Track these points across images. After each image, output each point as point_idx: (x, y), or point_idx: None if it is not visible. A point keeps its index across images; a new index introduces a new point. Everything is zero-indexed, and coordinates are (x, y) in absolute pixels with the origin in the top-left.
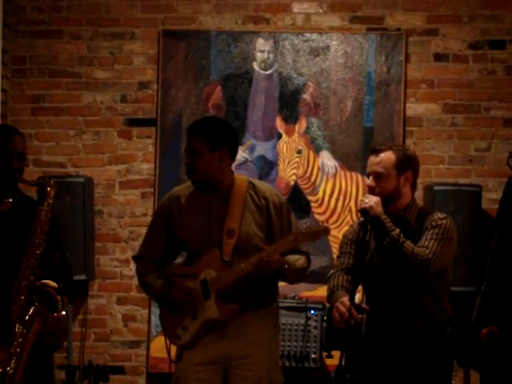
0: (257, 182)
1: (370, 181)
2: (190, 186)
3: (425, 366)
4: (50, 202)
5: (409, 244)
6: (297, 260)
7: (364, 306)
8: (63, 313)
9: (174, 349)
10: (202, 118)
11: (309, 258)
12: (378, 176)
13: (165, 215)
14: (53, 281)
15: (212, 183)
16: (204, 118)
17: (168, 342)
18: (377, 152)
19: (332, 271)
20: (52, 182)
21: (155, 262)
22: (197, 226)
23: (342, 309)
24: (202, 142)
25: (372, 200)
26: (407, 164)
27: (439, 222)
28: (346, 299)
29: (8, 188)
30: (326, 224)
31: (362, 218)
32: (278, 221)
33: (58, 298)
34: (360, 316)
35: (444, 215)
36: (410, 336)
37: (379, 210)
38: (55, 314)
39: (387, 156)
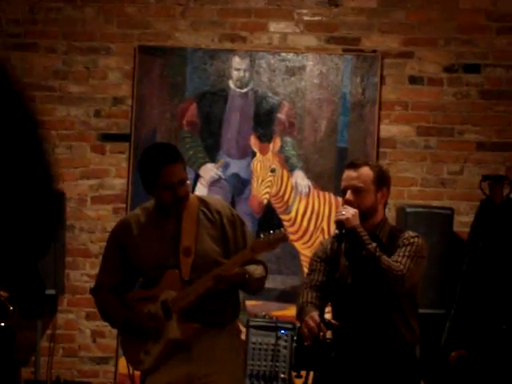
0: (206, 197)
1: (348, 195)
2: (139, 212)
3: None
4: None
5: (385, 258)
6: (255, 269)
7: (333, 321)
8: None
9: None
10: (159, 145)
11: (266, 266)
12: (356, 190)
13: (118, 244)
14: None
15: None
16: (157, 144)
17: (131, 368)
18: (355, 166)
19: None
20: None
21: (114, 291)
22: (152, 252)
23: (311, 324)
24: (183, 168)
25: (349, 212)
26: (383, 181)
27: (411, 240)
28: (315, 314)
29: None
30: (283, 230)
31: (336, 231)
32: (232, 233)
33: (9, 306)
34: (325, 334)
35: (415, 234)
36: (377, 354)
37: (356, 222)
38: (2, 324)
39: (366, 171)
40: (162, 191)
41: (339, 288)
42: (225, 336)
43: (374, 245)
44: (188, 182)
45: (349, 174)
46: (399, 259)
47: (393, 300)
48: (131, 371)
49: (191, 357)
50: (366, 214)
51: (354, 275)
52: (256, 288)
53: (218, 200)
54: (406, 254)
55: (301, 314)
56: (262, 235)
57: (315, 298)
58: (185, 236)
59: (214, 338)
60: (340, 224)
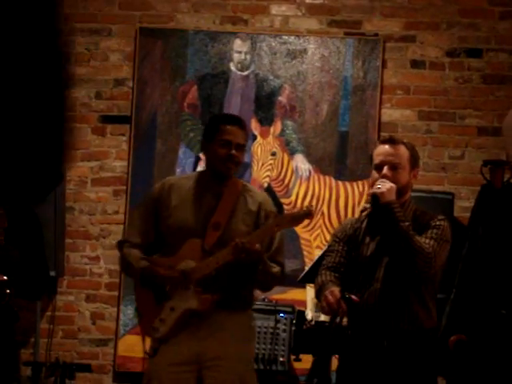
0: (252, 187)
1: (385, 170)
2: (185, 177)
3: (405, 370)
4: None
5: (417, 238)
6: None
7: (354, 297)
8: None
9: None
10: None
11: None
12: (393, 167)
13: (155, 202)
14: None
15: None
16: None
17: (143, 336)
18: (393, 143)
19: (304, 273)
20: None
21: (140, 249)
22: (182, 219)
23: (331, 299)
24: (246, 140)
25: (385, 186)
26: (416, 161)
27: (437, 223)
28: (336, 289)
29: None
30: (309, 207)
31: (366, 204)
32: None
33: (6, 289)
34: (345, 310)
35: (442, 217)
36: (392, 337)
37: (392, 197)
38: None
39: (403, 149)
40: (219, 147)
41: (358, 265)
42: (236, 320)
43: (407, 223)
44: (244, 153)
45: (386, 149)
46: (427, 241)
47: (413, 281)
48: (144, 340)
49: (201, 336)
50: (398, 192)
51: (374, 253)
52: (266, 282)
53: (263, 194)
54: (434, 236)
55: (320, 291)
56: (286, 211)
57: (334, 277)
58: (219, 212)
59: (226, 320)
60: (374, 198)
